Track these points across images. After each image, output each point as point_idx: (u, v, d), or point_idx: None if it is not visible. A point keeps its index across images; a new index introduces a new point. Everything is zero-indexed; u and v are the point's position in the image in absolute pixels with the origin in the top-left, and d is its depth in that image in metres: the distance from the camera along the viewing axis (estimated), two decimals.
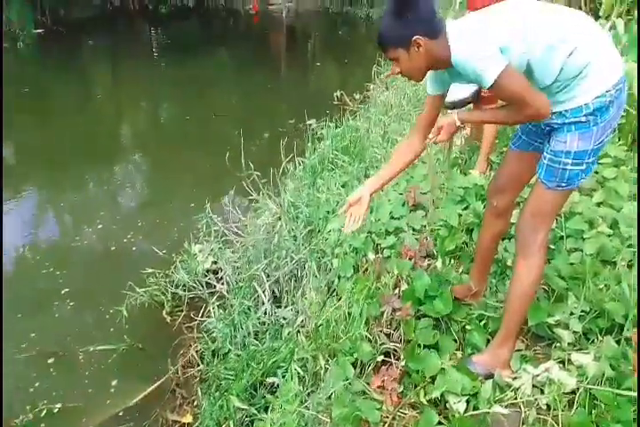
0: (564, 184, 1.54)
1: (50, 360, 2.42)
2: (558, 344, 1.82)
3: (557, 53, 1.41)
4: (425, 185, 2.90)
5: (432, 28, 1.45)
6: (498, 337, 1.74)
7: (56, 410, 2.14)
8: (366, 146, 4.08)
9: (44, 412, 2.13)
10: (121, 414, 2.12)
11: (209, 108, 6.55)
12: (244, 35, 13.13)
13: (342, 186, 3.44)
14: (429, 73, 1.61)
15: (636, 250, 2.14)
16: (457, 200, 2.72)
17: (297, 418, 1.61)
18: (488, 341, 1.80)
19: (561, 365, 1.72)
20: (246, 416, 1.81)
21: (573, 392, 1.62)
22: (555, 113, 1.50)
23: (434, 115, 1.73)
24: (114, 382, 2.28)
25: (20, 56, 10.01)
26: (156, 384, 2.21)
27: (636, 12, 3.90)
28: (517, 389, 1.66)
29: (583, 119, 1.45)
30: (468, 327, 1.83)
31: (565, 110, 1.47)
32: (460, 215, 2.58)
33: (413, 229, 2.62)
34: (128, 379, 2.29)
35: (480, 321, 1.87)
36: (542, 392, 1.64)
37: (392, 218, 2.78)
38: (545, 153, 1.56)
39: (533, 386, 1.67)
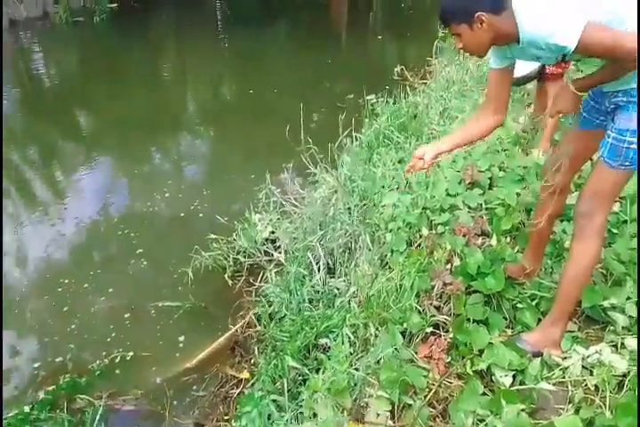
0: (627, 163, 1.51)
1: (125, 314, 2.66)
2: (612, 328, 1.81)
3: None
4: (483, 163, 2.87)
5: (495, 4, 1.44)
6: (550, 317, 1.75)
7: (129, 357, 2.37)
8: (425, 122, 4.05)
9: (118, 358, 2.37)
10: (186, 365, 2.32)
11: (271, 82, 6.64)
12: (307, 6, 12.97)
13: (398, 162, 3.45)
14: (492, 48, 1.58)
15: None
16: (516, 179, 2.69)
17: (347, 378, 1.71)
18: (539, 321, 1.82)
19: (613, 348, 1.72)
20: (299, 375, 1.94)
21: (624, 376, 1.62)
22: (621, 91, 1.47)
23: (501, 88, 1.70)
24: (181, 338, 2.49)
25: (96, 30, 10.43)
26: (217, 342, 2.38)
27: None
28: (566, 368, 1.68)
29: None
30: (519, 306, 1.86)
31: (632, 88, 1.44)
32: (518, 195, 2.56)
33: (469, 207, 2.62)
34: (193, 335, 2.49)
35: (532, 300, 1.89)
36: (591, 374, 1.66)
37: (448, 195, 2.78)
38: (609, 131, 1.53)
39: (583, 367, 1.69)
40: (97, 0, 11.65)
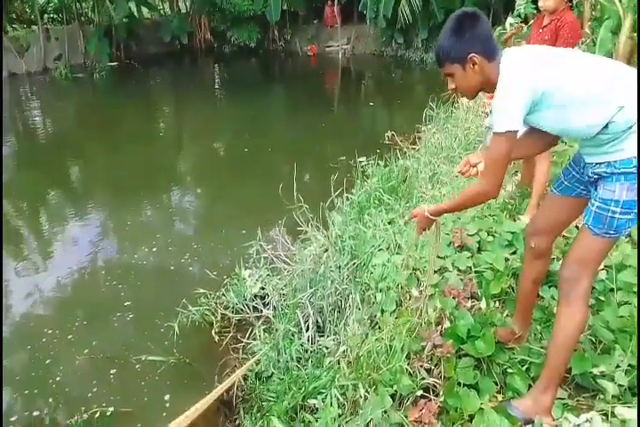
0: (611, 232, 1.56)
1: (107, 367, 2.59)
2: (602, 396, 1.80)
3: (605, 110, 1.47)
4: (472, 227, 2.95)
5: (488, 49, 1.54)
6: (540, 383, 1.73)
7: (109, 413, 2.29)
8: (415, 186, 4.19)
9: (97, 414, 2.28)
10: (166, 417, 2.23)
11: (265, 142, 6.88)
12: (301, 75, 13.73)
13: (389, 223, 3.53)
14: None
15: None
16: (504, 244, 2.76)
17: None
18: (529, 386, 1.81)
19: (604, 417, 1.70)
20: None
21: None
22: (603, 163, 1.54)
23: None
24: (164, 394, 2.41)
25: (95, 86, 10.85)
26: (201, 404, 2.29)
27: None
28: None
29: (633, 170, 1.47)
30: (509, 371, 1.85)
31: (615, 161, 1.51)
32: (506, 260, 2.61)
33: (458, 270, 2.66)
34: (176, 391, 2.41)
35: (522, 366, 1.88)
36: None
37: (437, 257, 2.83)
38: (593, 200, 1.59)
39: None
40: (97, 58, 12.25)
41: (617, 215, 1.53)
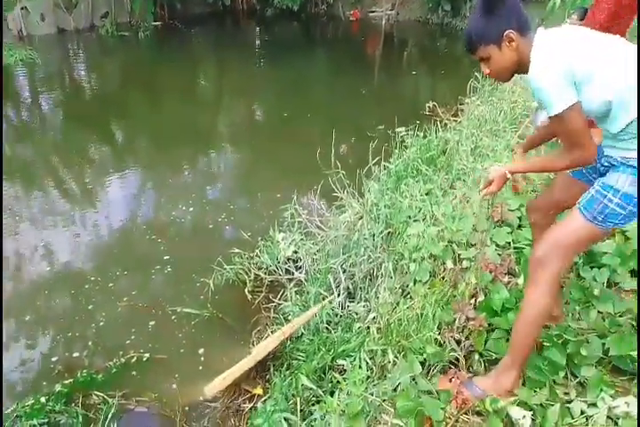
0: (599, 219, 1.50)
1: (145, 316, 2.70)
2: None
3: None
4: (514, 202, 2.87)
5: (522, 24, 1.45)
6: (502, 364, 1.72)
7: (145, 359, 2.41)
8: (455, 158, 4.08)
9: (135, 359, 2.40)
10: (199, 369, 2.33)
11: (305, 107, 6.81)
12: (343, 40, 13.38)
13: (426, 194, 3.47)
14: None
15: None
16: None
17: (362, 402, 1.68)
18: (568, 358, 1.78)
19: None
20: (312, 396, 1.91)
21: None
22: (616, 158, 1.49)
23: None
24: (197, 345, 2.51)
25: (140, 44, 10.87)
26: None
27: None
28: (590, 417, 1.64)
29: None
30: (546, 344, 1.82)
31: (628, 158, 1.46)
32: None
33: (497, 245, 2.61)
34: (209, 343, 2.51)
35: (559, 340, 1.85)
36: (616, 424, 1.61)
37: (475, 230, 2.79)
38: (595, 183, 1.54)
39: (608, 417, 1.65)
40: (142, 17, 12.22)
41: (611, 204, 1.47)
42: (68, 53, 10.02)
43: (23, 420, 1.99)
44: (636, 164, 1.43)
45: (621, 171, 1.47)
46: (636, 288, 2.13)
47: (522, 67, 1.50)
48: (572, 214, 1.57)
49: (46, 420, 2.02)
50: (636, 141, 1.43)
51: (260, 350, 2.11)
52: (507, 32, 1.45)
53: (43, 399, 2.07)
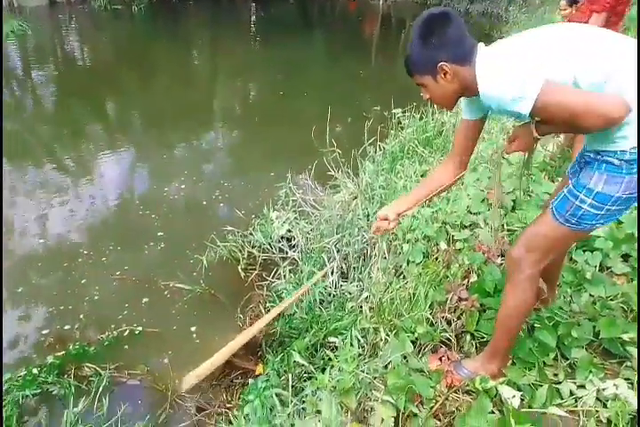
0: (573, 222, 1.40)
1: (137, 290, 2.70)
2: (628, 364, 1.79)
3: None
4: (509, 185, 2.87)
5: (460, 54, 1.34)
6: (486, 351, 1.74)
7: (137, 332, 2.41)
8: (451, 140, 4.06)
9: (127, 332, 2.41)
10: (191, 344, 2.35)
11: (301, 86, 6.73)
12: (339, 19, 13.20)
13: (421, 175, 3.46)
14: (463, 99, 1.50)
15: None
16: (540, 205, 2.68)
17: (353, 379, 1.69)
18: (558, 339, 1.80)
19: (629, 384, 1.69)
20: (304, 373, 1.93)
21: (638, 413, 1.60)
22: (594, 150, 1.36)
23: (471, 139, 1.62)
24: (189, 320, 2.51)
25: (133, 19, 10.63)
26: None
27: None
28: (579, 398, 1.66)
29: (616, 162, 1.31)
30: (537, 325, 1.84)
31: (604, 151, 1.33)
32: None
33: (490, 227, 2.61)
34: (202, 318, 2.52)
35: (550, 322, 1.87)
36: (605, 406, 1.63)
37: (469, 212, 2.79)
38: (569, 182, 1.44)
39: (597, 399, 1.67)
40: None
41: (585, 206, 1.37)
42: (60, 26, 9.78)
43: (15, 390, 1.99)
44: (607, 156, 1.32)
45: (596, 168, 1.35)
46: (635, 278, 2.14)
47: (469, 91, 1.40)
48: (544, 215, 1.49)
49: (39, 391, 2.03)
50: (607, 133, 1.29)
51: (234, 344, 2.06)
52: (440, 64, 1.35)
53: (35, 370, 2.08)
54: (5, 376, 2.06)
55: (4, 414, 1.86)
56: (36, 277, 2.79)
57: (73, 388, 2.04)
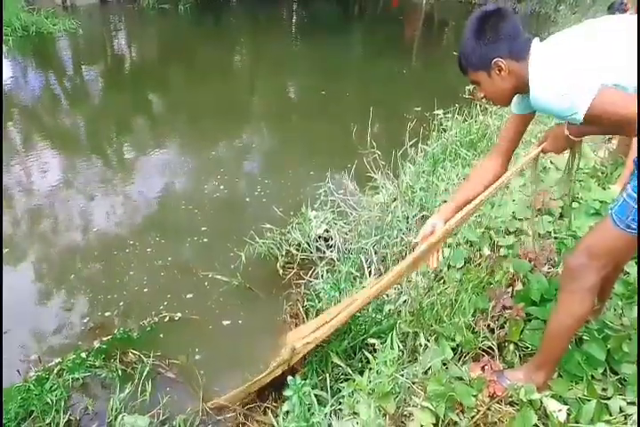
0: (633, 226, 1.33)
1: (177, 280, 2.79)
2: None
3: None
4: (557, 191, 2.78)
5: (515, 49, 1.33)
6: (532, 361, 1.68)
7: (177, 318, 2.50)
8: (495, 142, 3.96)
9: (167, 318, 2.49)
10: (231, 337, 2.41)
11: (343, 86, 6.73)
12: (382, 18, 13.09)
13: (464, 178, 3.39)
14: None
15: None
16: (590, 213, 2.59)
17: (392, 382, 1.67)
18: (608, 353, 1.73)
19: None
20: (342, 374, 1.91)
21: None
22: None
23: (518, 135, 1.61)
24: (225, 308, 2.59)
25: (180, 18, 10.87)
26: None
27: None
28: (629, 415, 1.60)
29: None
30: (585, 338, 1.77)
31: None
32: (591, 228, 2.46)
33: (537, 234, 2.54)
34: (241, 311, 2.58)
35: (599, 334, 1.80)
36: None
37: (514, 218, 2.72)
38: (627, 187, 1.37)
39: None
40: None
41: None
42: (110, 25, 10.07)
43: (65, 374, 2.07)
44: None
45: None
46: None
47: (523, 88, 1.37)
48: (604, 221, 1.43)
49: (88, 374, 2.10)
50: None
51: (276, 368, 1.83)
52: (495, 60, 1.34)
53: (83, 355, 2.15)
54: (55, 360, 2.14)
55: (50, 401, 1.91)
56: (84, 266, 2.90)
57: (120, 371, 2.11)
